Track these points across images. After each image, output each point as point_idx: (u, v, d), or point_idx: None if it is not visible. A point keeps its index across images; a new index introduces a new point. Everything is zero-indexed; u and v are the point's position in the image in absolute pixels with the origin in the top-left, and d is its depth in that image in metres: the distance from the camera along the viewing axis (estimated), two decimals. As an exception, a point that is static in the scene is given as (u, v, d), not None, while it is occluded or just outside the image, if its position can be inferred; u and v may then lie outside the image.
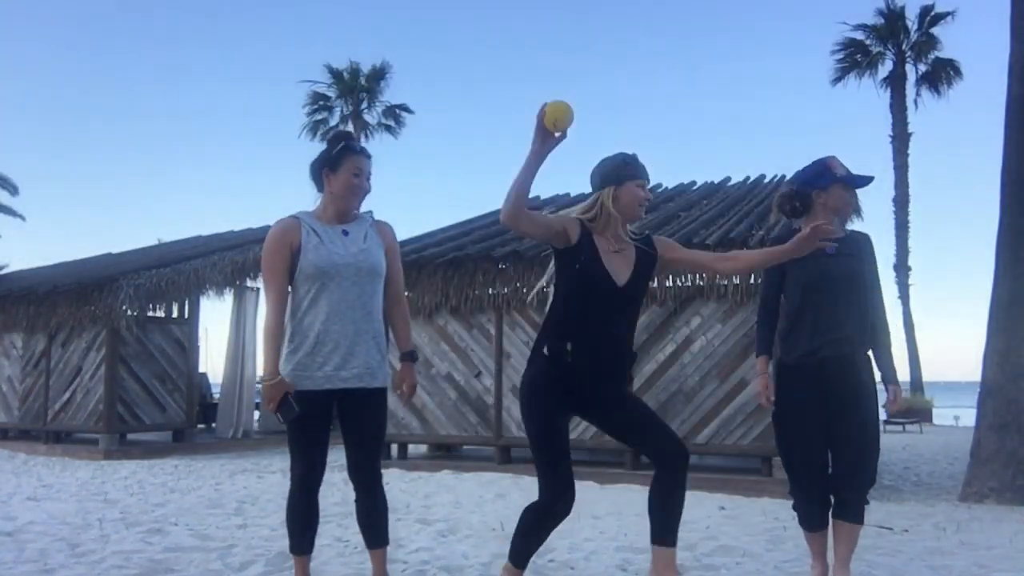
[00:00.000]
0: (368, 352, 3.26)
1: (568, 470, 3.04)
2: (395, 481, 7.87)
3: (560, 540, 4.88)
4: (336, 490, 7.10)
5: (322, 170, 3.30)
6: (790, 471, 3.54)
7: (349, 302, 3.22)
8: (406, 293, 3.50)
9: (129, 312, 10.86)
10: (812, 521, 3.54)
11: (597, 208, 3.10)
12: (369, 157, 3.36)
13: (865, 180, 3.46)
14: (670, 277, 8.14)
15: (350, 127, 30.56)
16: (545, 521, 3.09)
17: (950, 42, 33.58)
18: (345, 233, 3.30)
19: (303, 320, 3.22)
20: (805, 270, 3.39)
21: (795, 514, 3.63)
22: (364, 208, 3.44)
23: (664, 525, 3.08)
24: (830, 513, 3.48)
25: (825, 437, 3.42)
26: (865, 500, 3.44)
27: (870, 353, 3.53)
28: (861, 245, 3.53)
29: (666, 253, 3.24)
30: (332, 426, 3.39)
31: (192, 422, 12.05)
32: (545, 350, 3.03)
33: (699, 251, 3.74)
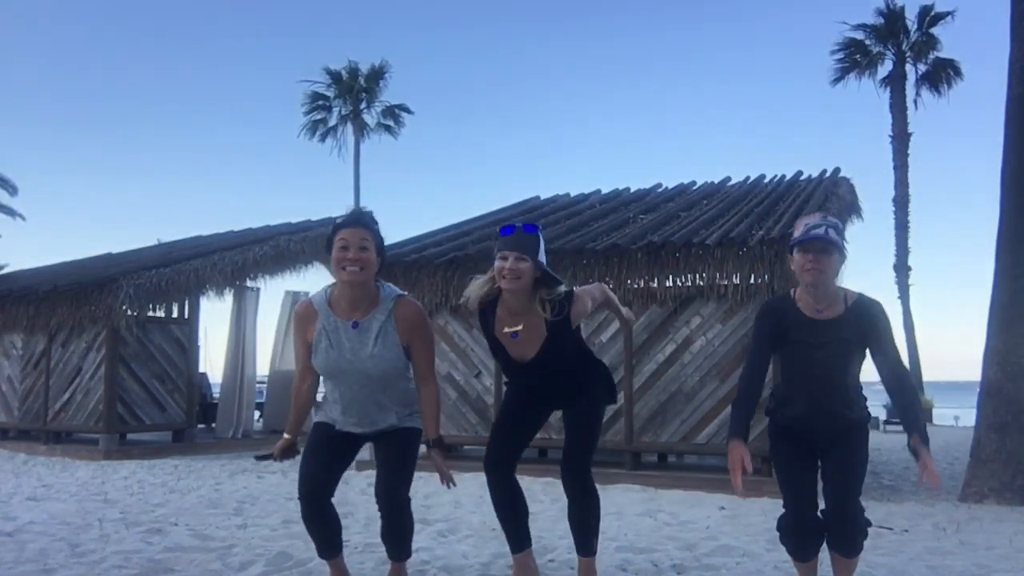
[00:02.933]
0: (387, 419, 3.35)
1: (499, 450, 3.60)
2: (395, 481, 7.86)
3: (560, 540, 4.89)
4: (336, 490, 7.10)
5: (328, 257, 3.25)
6: (784, 502, 3.39)
7: (361, 398, 3.28)
8: (406, 293, 3.34)
9: (129, 312, 10.85)
10: (803, 552, 3.35)
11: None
12: (363, 226, 3.15)
13: (811, 239, 3.08)
14: (670, 277, 8.15)
15: (349, 127, 30.61)
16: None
17: (950, 42, 33.65)
18: (355, 327, 3.19)
19: (327, 391, 3.39)
20: (792, 356, 3.26)
21: (785, 546, 3.46)
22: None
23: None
24: (824, 544, 3.34)
25: (815, 472, 3.33)
26: (861, 531, 3.27)
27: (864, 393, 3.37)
28: (860, 323, 3.16)
29: (583, 307, 3.42)
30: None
31: (192, 422, 12.05)
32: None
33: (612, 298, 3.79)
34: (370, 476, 8.26)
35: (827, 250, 3.08)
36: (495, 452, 3.59)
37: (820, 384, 3.18)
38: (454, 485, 3.39)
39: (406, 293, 3.34)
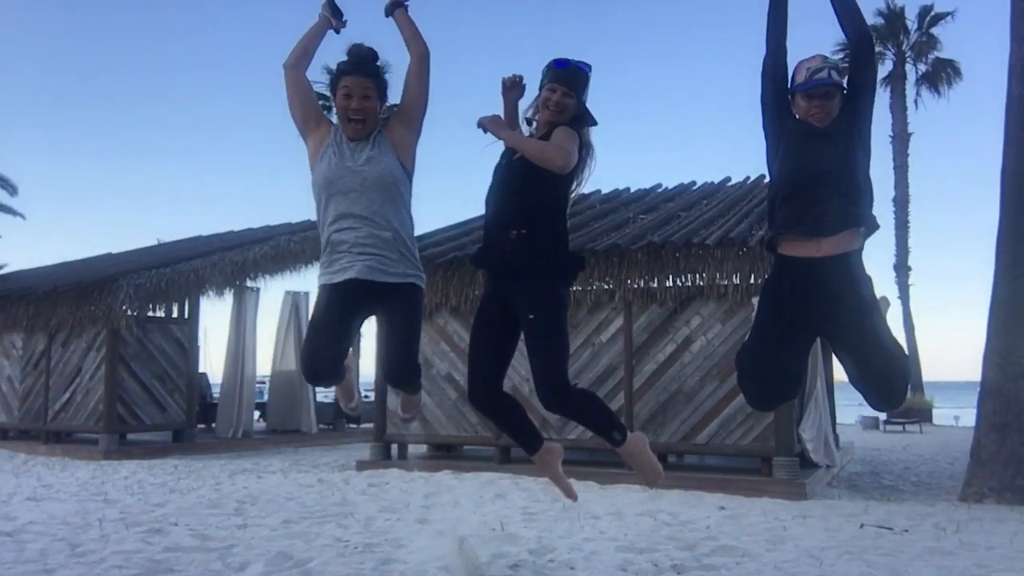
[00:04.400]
0: (380, 251, 3.21)
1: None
2: (395, 481, 7.87)
3: (560, 540, 4.89)
4: (336, 490, 7.11)
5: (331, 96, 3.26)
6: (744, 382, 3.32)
7: (356, 212, 3.20)
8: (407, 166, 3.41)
9: (129, 312, 10.85)
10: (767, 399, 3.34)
11: None
12: (368, 75, 3.19)
13: (815, 83, 3.04)
14: (670, 277, 8.14)
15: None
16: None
17: (950, 42, 33.65)
18: (351, 147, 3.24)
19: (322, 230, 3.32)
20: (792, 155, 3.11)
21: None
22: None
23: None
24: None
25: (798, 372, 3.18)
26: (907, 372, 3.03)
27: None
28: (843, 109, 3.10)
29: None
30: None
31: (192, 422, 12.05)
32: None
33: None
34: (371, 476, 8.30)
35: (831, 94, 3.06)
36: (473, 385, 3.39)
37: (821, 192, 3.01)
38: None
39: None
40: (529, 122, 3.39)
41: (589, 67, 3.25)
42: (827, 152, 3.02)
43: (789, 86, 3.18)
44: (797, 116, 3.15)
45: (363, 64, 3.21)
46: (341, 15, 3.42)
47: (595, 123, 3.32)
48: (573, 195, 3.38)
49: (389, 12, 3.34)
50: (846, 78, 3.10)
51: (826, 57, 3.09)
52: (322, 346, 3.20)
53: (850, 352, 3.00)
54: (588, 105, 3.30)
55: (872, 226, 3.08)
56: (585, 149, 3.30)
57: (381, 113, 3.29)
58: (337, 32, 3.42)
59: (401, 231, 3.26)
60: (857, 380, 3.01)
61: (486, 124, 3.27)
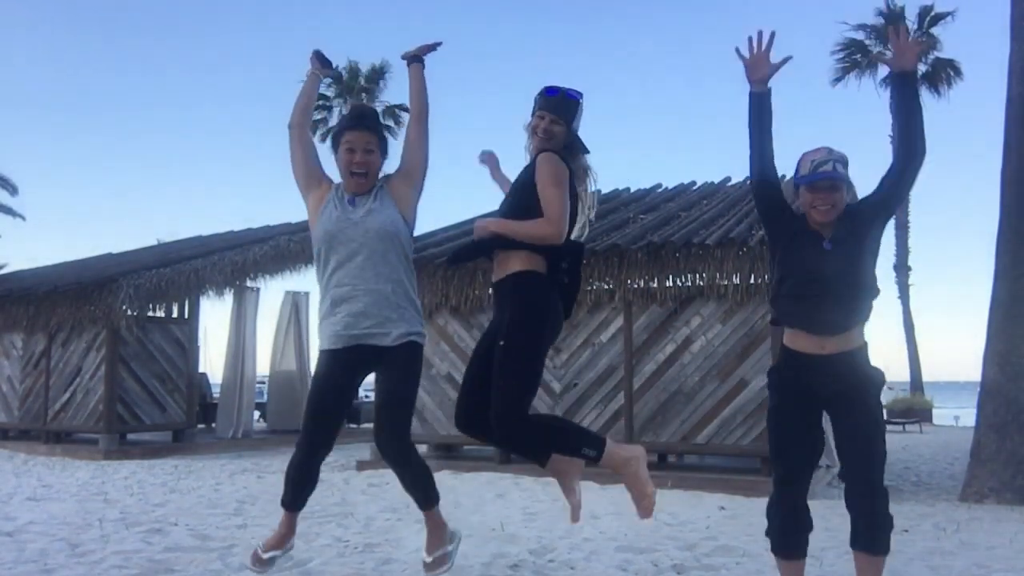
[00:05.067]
0: (380, 310, 3.22)
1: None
2: (395, 481, 7.85)
3: (560, 540, 4.89)
4: (336, 490, 7.10)
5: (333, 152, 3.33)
6: (774, 475, 3.15)
7: (358, 265, 3.22)
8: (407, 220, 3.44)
9: (129, 312, 10.85)
10: (786, 542, 3.11)
11: None
12: (370, 130, 3.27)
13: (819, 176, 2.97)
14: (670, 277, 8.14)
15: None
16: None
17: (950, 42, 33.62)
18: (352, 202, 3.28)
19: (322, 284, 3.33)
20: (793, 258, 3.05)
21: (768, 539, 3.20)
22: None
23: None
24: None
25: (812, 446, 3.09)
26: (888, 517, 2.99)
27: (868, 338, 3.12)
28: (855, 212, 3.05)
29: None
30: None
31: (192, 422, 12.05)
32: None
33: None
34: (371, 476, 8.30)
35: (836, 187, 2.97)
36: (458, 413, 3.33)
37: (826, 300, 2.96)
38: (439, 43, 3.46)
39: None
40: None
41: (580, 95, 3.21)
42: (833, 259, 2.97)
43: (794, 178, 3.11)
44: (800, 211, 3.08)
45: (365, 120, 3.30)
46: (330, 64, 3.55)
47: (587, 151, 3.29)
48: (583, 226, 3.34)
49: (408, 61, 3.44)
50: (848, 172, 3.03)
51: (831, 149, 3.03)
52: (320, 423, 3.30)
53: (840, 438, 3.06)
54: (583, 130, 3.28)
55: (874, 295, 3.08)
56: (584, 172, 3.30)
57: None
58: (330, 78, 3.58)
59: (403, 283, 3.30)
60: (840, 456, 3.10)
61: (483, 230, 3.20)
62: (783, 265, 3.09)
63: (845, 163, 3.01)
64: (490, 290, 8.92)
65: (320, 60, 3.53)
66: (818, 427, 3.11)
